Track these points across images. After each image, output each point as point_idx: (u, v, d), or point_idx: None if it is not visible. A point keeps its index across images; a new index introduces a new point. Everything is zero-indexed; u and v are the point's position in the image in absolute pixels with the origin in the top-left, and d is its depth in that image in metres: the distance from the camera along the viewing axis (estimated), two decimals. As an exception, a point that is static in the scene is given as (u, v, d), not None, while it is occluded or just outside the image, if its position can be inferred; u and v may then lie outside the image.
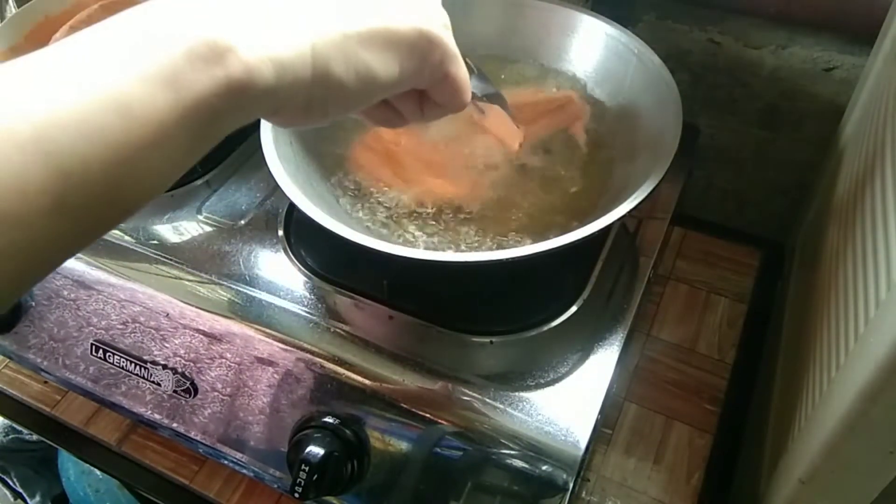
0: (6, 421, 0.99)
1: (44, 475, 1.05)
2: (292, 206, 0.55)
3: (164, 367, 0.57)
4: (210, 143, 0.29)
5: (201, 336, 0.55)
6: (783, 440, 0.52)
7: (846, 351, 0.41)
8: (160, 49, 0.26)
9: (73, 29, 0.72)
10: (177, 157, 0.27)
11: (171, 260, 0.59)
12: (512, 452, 0.48)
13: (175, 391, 0.56)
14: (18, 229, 0.23)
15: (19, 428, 1.01)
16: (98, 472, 0.92)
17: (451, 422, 0.49)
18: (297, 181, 0.53)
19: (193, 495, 0.65)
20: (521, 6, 0.68)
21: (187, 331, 0.56)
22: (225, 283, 0.57)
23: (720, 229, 0.82)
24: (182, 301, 0.56)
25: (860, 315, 0.40)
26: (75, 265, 0.59)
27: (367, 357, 0.52)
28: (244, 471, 0.57)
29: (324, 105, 0.32)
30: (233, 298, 0.56)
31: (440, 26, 0.35)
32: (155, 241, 0.61)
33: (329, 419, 0.50)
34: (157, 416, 0.58)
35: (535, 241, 0.53)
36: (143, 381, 0.58)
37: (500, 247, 0.54)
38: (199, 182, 0.66)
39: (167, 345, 0.56)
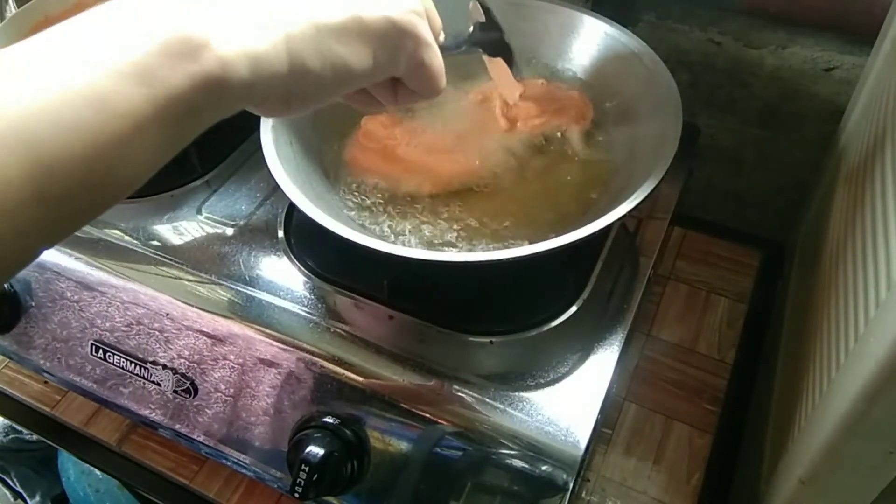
0: (6, 421, 0.99)
1: (44, 475, 1.05)
2: (292, 207, 0.54)
3: (164, 367, 0.57)
4: (189, 136, 0.29)
5: (201, 336, 0.55)
6: (783, 440, 0.52)
7: (846, 351, 0.41)
8: (136, 44, 0.26)
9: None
10: (155, 150, 0.28)
11: (171, 260, 0.59)
12: (512, 452, 0.48)
13: (175, 391, 0.56)
14: (1, 219, 0.23)
15: (19, 428, 1.01)
16: (98, 472, 0.92)
17: (451, 422, 0.49)
18: (297, 181, 0.53)
19: (193, 495, 0.65)
20: (521, 6, 0.68)
21: (188, 332, 0.56)
22: (225, 283, 0.57)
23: (720, 229, 0.82)
24: (182, 301, 0.56)
25: (860, 315, 0.40)
26: (77, 266, 0.59)
27: (367, 357, 0.52)
28: (244, 471, 0.57)
29: (302, 96, 0.33)
30: (233, 299, 0.56)
31: (412, 14, 0.35)
32: (155, 242, 0.61)
33: (329, 419, 0.50)
34: (157, 417, 0.58)
35: (533, 240, 0.53)
36: (144, 381, 0.58)
37: (498, 241, 0.54)
38: (199, 182, 0.66)
39: (170, 346, 0.56)
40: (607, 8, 0.67)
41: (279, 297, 0.56)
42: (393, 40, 0.35)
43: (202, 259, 0.59)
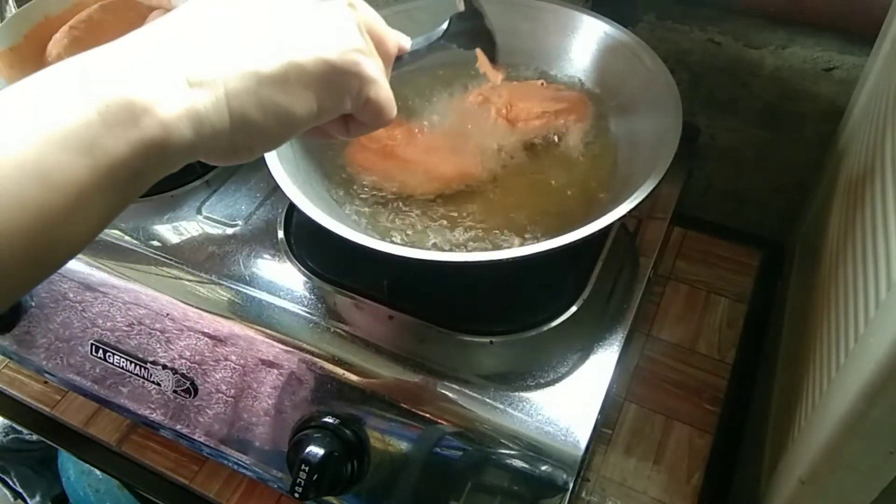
0: (6, 421, 0.99)
1: (44, 475, 1.05)
2: (292, 207, 0.54)
3: (164, 367, 0.57)
4: (132, 197, 0.29)
5: (201, 336, 0.55)
6: (783, 440, 0.52)
7: (846, 351, 0.41)
8: (76, 112, 0.26)
9: (74, 29, 0.72)
10: (98, 217, 0.28)
11: (171, 260, 0.59)
12: (512, 452, 0.48)
13: (175, 391, 0.56)
14: None
15: (19, 428, 1.01)
16: (98, 472, 0.92)
17: (451, 422, 0.49)
18: (297, 181, 0.53)
19: (193, 495, 0.65)
20: (521, 6, 0.68)
21: (188, 332, 0.56)
22: (225, 283, 0.57)
23: (720, 229, 0.82)
24: (182, 301, 0.56)
25: (860, 315, 0.40)
26: (77, 266, 0.59)
27: (367, 357, 0.52)
28: (244, 471, 0.57)
29: (249, 147, 0.33)
30: (233, 298, 0.56)
31: (353, 53, 0.34)
32: (155, 242, 0.61)
33: (329, 419, 0.50)
34: (158, 417, 0.58)
35: (533, 240, 0.53)
36: (144, 381, 0.58)
37: (498, 241, 0.54)
38: (199, 182, 0.66)
39: (170, 346, 0.56)
40: (607, 8, 0.67)
41: (279, 297, 0.56)
42: (335, 82, 0.34)
43: (202, 259, 0.59)
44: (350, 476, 0.50)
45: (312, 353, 0.52)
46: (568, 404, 0.49)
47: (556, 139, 0.63)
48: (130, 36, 0.30)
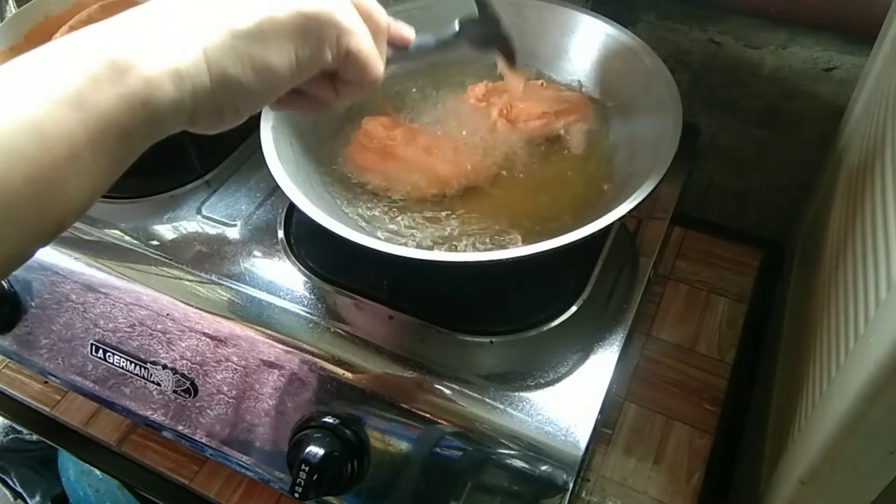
0: (6, 421, 0.99)
1: (44, 475, 1.05)
2: (292, 206, 0.54)
3: (164, 367, 0.57)
4: (127, 158, 0.31)
5: (200, 336, 0.55)
6: (783, 440, 0.52)
7: (846, 351, 0.41)
8: (68, 72, 0.28)
9: (73, 29, 0.72)
10: (95, 174, 0.29)
11: (171, 260, 0.59)
12: (512, 452, 0.48)
13: (175, 391, 0.56)
14: None
15: (19, 428, 1.01)
16: (98, 472, 0.92)
17: (451, 422, 0.49)
18: (297, 181, 0.53)
19: (193, 495, 0.65)
20: (521, 6, 0.68)
21: (188, 332, 0.56)
22: (225, 283, 0.57)
23: (720, 229, 0.82)
24: (182, 301, 0.56)
25: (860, 315, 0.40)
26: (77, 266, 0.59)
27: (367, 357, 0.52)
28: (244, 471, 0.57)
29: (234, 106, 0.34)
30: (232, 299, 0.56)
31: (328, 3, 0.35)
32: (155, 242, 0.61)
33: (329, 419, 0.50)
34: (158, 417, 0.58)
35: (534, 240, 0.53)
36: (144, 381, 0.58)
37: (498, 241, 0.54)
38: (199, 182, 0.66)
39: (169, 346, 0.56)
40: (607, 8, 0.67)
41: (279, 297, 0.56)
42: (312, 33, 0.35)
43: (202, 259, 0.59)
44: (350, 476, 0.50)
45: (312, 354, 0.52)
46: (568, 404, 0.49)
47: (556, 140, 0.63)
48: (115, 16, 0.32)
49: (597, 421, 0.48)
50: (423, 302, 0.55)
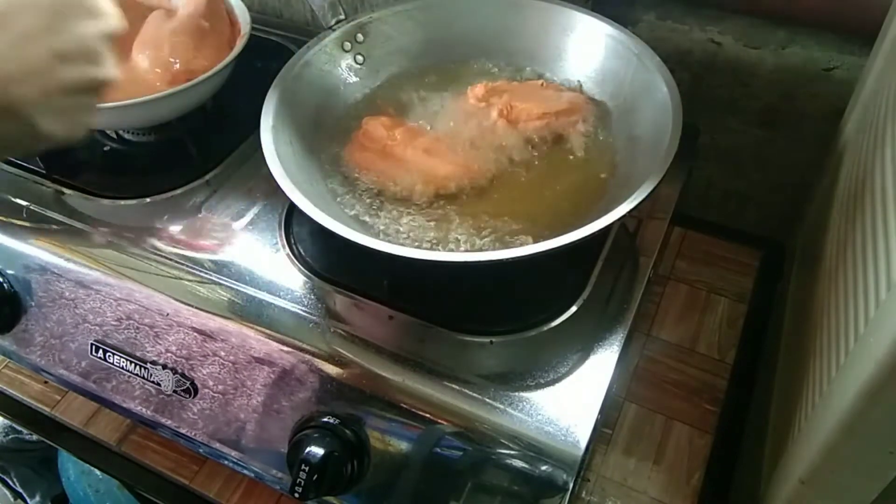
0: (6, 421, 0.99)
1: (44, 475, 1.05)
2: (292, 206, 0.55)
3: (164, 367, 0.57)
4: None
5: (200, 336, 0.55)
6: (783, 440, 0.52)
7: (846, 351, 0.41)
8: None
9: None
10: None
11: (171, 260, 0.59)
12: (512, 452, 0.48)
13: (175, 391, 0.56)
14: None
15: (19, 428, 1.01)
16: (98, 472, 0.92)
17: (451, 422, 0.49)
18: (297, 181, 0.53)
19: (193, 495, 0.65)
20: (521, 6, 0.68)
21: (184, 330, 0.56)
22: (225, 283, 0.57)
23: (720, 229, 0.82)
24: (182, 301, 0.56)
25: (860, 315, 0.40)
26: (77, 266, 0.59)
27: (367, 357, 0.52)
28: (244, 471, 0.57)
29: None
30: (233, 299, 0.56)
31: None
32: (155, 242, 0.61)
33: (329, 419, 0.50)
34: (158, 417, 0.58)
35: (534, 240, 0.53)
36: (144, 381, 0.58)
37: (498, 241, 0.54)
38: (199, 182, 0.66)
39: (169, 346, 0.56)
40: (607, 8, 0.67)
41: (279, 297, 0.56)
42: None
43: (202, 259, 0.59)
44: (350, 476, 0.50)
45: (312, 353, 0.52)
46: (568, 404, 0.49)
47: (556, 140, 0.63)
48: None
49: (597, 421, 0.48)
50: (423, 302, 0.55)
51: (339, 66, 0.67)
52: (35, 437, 0.82)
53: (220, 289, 0.57)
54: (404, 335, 0.54)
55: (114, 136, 0.71)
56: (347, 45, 0.68)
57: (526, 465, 0.48)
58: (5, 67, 0.34)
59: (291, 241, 0.60)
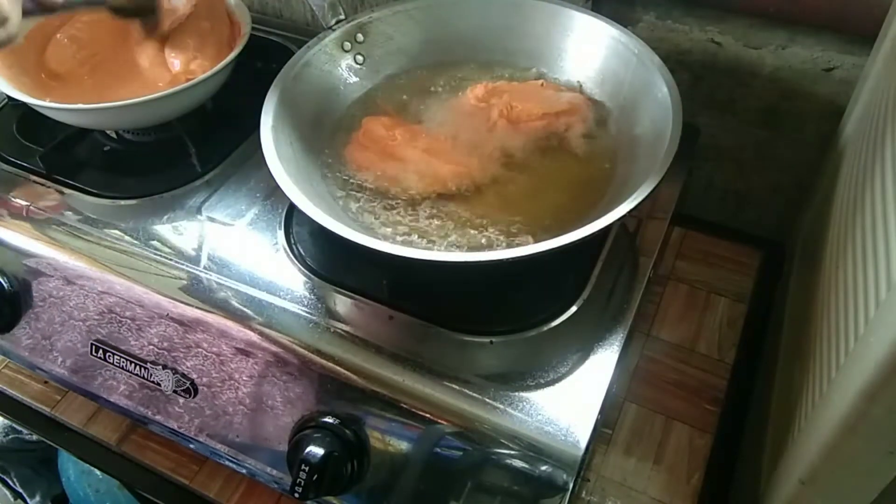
0: (6, 421, 0.99)
1: (44, 475, 1.05)
2: (292, 206, 0.55)
3: (164, 367, 0.57)
4: None
5: (200, 335, 0.55)
6: (783, 440, 0.52)
7: (846, 351, 0.41)
8: None
9: (73, 29, 0.72)
10: None
11: (171, 260, 0.59)
12: (512, 452, 0.48)
13: (175, 391, 0.57)
14: None
15: (19, 428, 1.01)
16: (98, 472, 0.92)
17: (451, 422, 0.49)
18: (297, 181, 0.53)
19: (193, 495, 0.65)
20: (520, 6, 0.68)
21: (183, 329, 0.56)
22: (225, 283, 0.57)
23: (720, 229, 0.82)
24: (182, 302, 0.56)
25: (860, 315, 0.40)
26: (77, 266, 0.59)
27: (367, 357, 0.52)
28: (244, 471, 0.57)
29: None
30: (233, 299, 0.56)
31: None
32: (155, 242, 0.61)
33: (329, 419, 0.50)
34: (158, 417, 0.58)
35: (534, 240, 0.53)
36: (144, 381, 0.58)
37: (498, 241, 0.54)
38: (199, 182, 0.66)
39: (169, 346, 0.56)
40: (607, 8, 0.67)
41: (279, 297, 0.56)
42: None
43: (202, 259, 0.59)
44: (350, 476, 0.50)
45: (313, 353, 0.52)
46: (568, 404, 0.49)
47: (556, 140, 0.63)
48: None
49: (597, 421, 0.48)
50: (423, 302, 0.55)
51: (339, 66, 0.67)
52: (35, 437, 0.83)
53: (220, 289, 0.57)
54: (404, 335, 0.54)
55: (114, 136, 0.71)
56: (347, 45, 0.68)
57: (526, 465, 0.48)
58: None
59: (291, 241, 0.60)
